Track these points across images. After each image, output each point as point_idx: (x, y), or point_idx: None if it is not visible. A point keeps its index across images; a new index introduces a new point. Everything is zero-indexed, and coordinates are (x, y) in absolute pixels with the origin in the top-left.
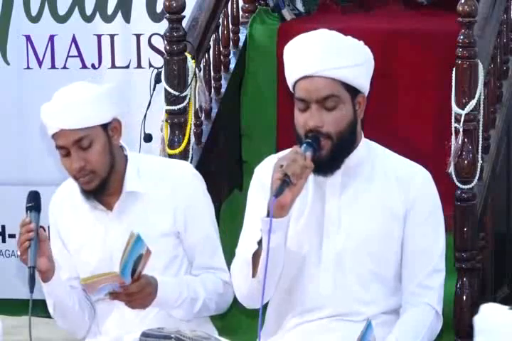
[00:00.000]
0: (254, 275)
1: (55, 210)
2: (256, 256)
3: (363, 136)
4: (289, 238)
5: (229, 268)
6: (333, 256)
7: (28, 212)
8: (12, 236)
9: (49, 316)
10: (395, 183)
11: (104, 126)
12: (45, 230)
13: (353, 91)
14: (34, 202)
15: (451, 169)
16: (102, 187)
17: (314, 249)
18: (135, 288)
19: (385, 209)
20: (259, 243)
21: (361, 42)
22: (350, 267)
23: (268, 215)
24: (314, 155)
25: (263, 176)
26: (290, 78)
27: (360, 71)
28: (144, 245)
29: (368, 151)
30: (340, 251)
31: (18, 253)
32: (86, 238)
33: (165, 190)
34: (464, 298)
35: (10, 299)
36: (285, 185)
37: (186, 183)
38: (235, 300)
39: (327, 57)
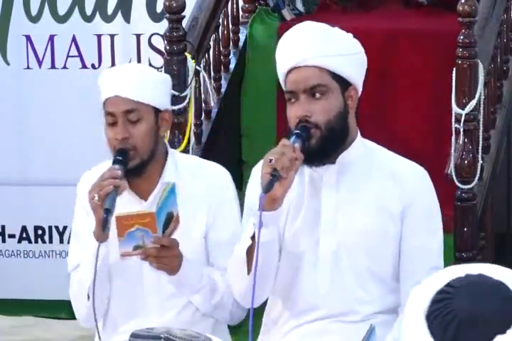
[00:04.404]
0: (249, 272)
1: (84, 190)
2: (250, 252)
3: (359, 134)
4: (286, 238)
5: None
6: (329, 254)
7: (116, 164)
8: (12, 236)
9: (49, 316)
10: (391, 181)
11: (157, 112)
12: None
13: (342, 82)
14: (122, 157)
15: (452, 169)
16: (140, 169)
17: (311, 248)
18: (167, 242)
19: (381, 207)
20: (253, 238)
21: (350, 34)
22: (347, 265)
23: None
24: (304, 146)
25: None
26: (281, 73)
27: (348, 61)
28: (176, 204)
29: (363, 149)
30: (336, 250)
31: (96, 197)
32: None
33: (200, 187)
34: None
35: (10, 299)
36: (274, 179)
37: (220, 183)
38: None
39: (313, 46)
